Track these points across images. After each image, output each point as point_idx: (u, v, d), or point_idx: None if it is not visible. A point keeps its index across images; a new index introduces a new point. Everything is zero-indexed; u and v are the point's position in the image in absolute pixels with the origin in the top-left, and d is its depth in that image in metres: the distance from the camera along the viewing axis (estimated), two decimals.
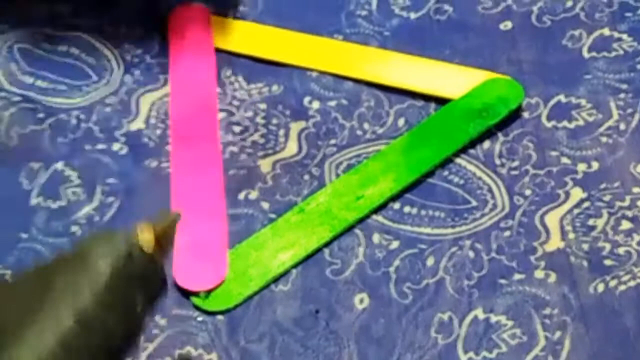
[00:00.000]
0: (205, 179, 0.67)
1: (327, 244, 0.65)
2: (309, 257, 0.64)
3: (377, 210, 0.66)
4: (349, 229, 0.65)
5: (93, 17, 0.76)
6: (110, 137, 0.70)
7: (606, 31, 0.73)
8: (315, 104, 0.71)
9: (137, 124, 0.71)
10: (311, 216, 0.66)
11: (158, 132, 0.70)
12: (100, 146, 0.70)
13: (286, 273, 0.63)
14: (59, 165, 0.69)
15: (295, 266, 0.64)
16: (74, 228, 0.66)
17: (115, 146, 0.70)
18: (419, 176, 0.67)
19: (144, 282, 0.47)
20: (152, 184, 0.68)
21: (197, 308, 0.62)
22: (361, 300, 0.62)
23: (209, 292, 0.62)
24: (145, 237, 0.48)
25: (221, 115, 0.71)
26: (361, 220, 0.65)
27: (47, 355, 0.42)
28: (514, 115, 0.69)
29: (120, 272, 0.46)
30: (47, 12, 0.77)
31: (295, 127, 0.70)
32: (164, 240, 0.49)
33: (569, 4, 0.75)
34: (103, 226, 0.66)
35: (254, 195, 0.67)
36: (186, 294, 0.63)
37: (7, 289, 0.48)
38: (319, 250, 0.64)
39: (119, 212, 0.67)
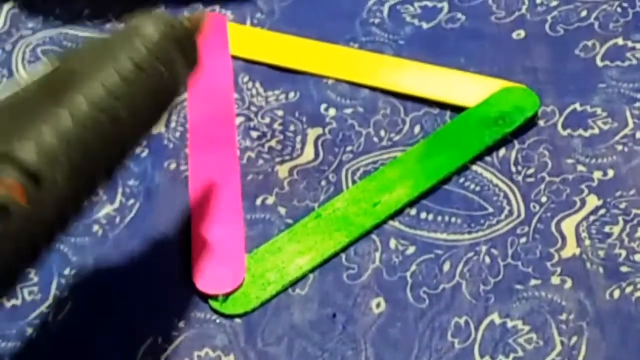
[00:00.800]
0: (223, 184, 0.68)
1: (344, 250, 0.65)
2: (326, 262, 0.64)
3: (393, 216, 0.66)
4: (366, 234, 0.65)
5: (115, 21, 0.77)
6: None
7: (620, 41, 0.74)
8: (332, 112, 0.72)
9: (158, 127, 0.72)
10: (328, 222, 0.66)
11: (177, 134, 0.71)
12: None
13: (304, 277, 0.64)
14: None
15: (312, 271, 0.64)
16: (95, 228, 0.67)
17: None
18: (436, 183, 0.67)
19: (184, 49, 0.54)
20: (172, 185, 0.69)
21: (215, 311, 0.62)
22: (378, 305, 0.62)
23: (227, 296, 0.63)
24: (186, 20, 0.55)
25: (239, 120, 0.72)
26: (378, 226, 0.66)
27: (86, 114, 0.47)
28: (530, 123, 0.70)
29: (168, 35, 0.52)
30: (69, 15, 0.78)
31: (313, 133, 0.71)
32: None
33: (584, 14, 0.76)
34: (124, 227, 0.67)
35: (271, 200, 0.68)
36: (204, 297, 0.63)
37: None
38: (336, 255, 0.65)
39: (139, 213, 0.67)
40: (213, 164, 0.69)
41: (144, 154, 0.70)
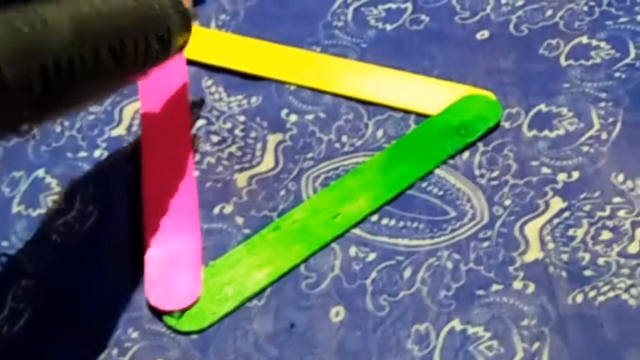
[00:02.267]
0: (179, 192, 0.66)
1: (303, 262, 0.64)
2: (284, 275, 0.63)
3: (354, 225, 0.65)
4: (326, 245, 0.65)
5: None
6: (91, 144, 0.71)
7: (584, 39, 0.73)
8: (293, 117, 0.71)
9: (119, 131, 0.71)
10: (287, 233, 0.65)
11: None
12: (81, 154, 0.70)
13: (261, 292, 0.63)
14: (40, 172, 0.70)
15: (270, 285, 0.63)
16: (54, 236, 0.66)
17: (97, 152, 0.70)
18: (397, 193, 0.66)
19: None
20: (129, 189, 0.68)
21: (169, 328, 0.61)
22: (337, 313, 0.61)
23: (182, 311, 0.62)
24: None
25: (200, 123, 0.71)
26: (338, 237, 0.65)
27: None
28: (493, 128, 0.69)
29: None
30: None
31: (273, 139, 0.70)
32: None
33: (549, 12, 0.75)
34: (81, 236, 0.67)
35: (228, 210, 0.67)
36: (159, 313, 0.62)
37: None
38: (294, 268, 0.64)
39: (96, 221, 0.67)
40: (168, 171, 0.68)
41: (103, 157, 0.70)
